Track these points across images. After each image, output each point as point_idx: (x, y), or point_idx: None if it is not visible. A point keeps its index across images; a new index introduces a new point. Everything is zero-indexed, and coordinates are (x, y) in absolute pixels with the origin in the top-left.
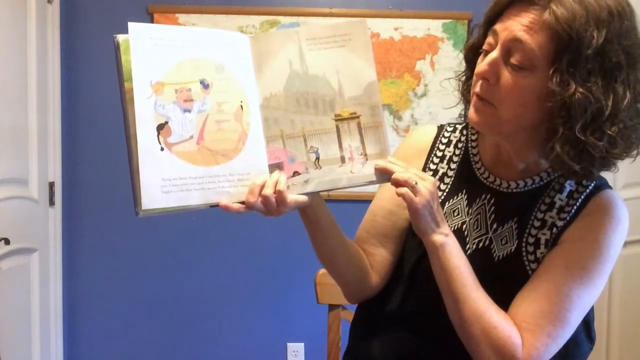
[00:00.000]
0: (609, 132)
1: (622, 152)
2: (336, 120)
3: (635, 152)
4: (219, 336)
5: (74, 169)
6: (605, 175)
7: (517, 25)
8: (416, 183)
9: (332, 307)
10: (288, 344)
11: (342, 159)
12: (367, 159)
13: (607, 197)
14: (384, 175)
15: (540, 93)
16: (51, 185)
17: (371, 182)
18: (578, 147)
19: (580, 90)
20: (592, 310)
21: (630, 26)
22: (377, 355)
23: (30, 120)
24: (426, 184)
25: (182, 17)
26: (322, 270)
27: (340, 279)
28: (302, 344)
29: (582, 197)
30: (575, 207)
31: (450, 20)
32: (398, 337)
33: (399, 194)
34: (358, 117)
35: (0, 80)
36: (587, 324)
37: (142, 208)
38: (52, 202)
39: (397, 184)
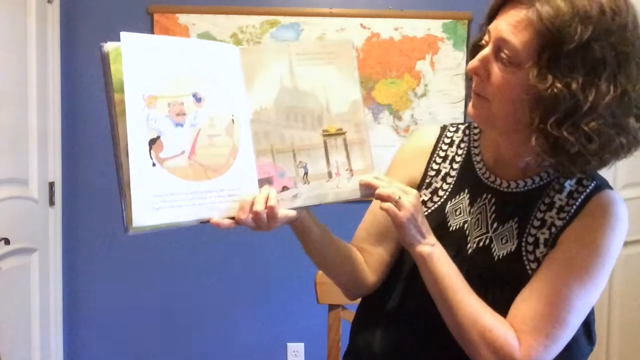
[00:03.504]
0: (585, 128)
1: (600, 149)
2: (324, 135)
3: (619, 148)
4: (219, 336)
5: (74, 169)
6: (606, 174)
7: (504, 25)
8: (399, 197)
9: (332, 307)
10: (288, 344)
11: (330, 174)
12: (352, 175)
13: (606, 197)
14: (368, 190)
15: (525, 89)
16: (51, 185)
17: (356, 198)
18: (550, 140)
19: (557, 85)
20: (592, 312)
21: (623, 25)
22: (378, 354)
23: (30, 120)
24: (409, 198)
25: (182, 17)
26: (325, 274)
27: (335, 280)
28: (302, 344)
29: (582, 197)
30: (574, 207)
31: (450, 20)
32: (398, 336)
33: (383, 209)
34: (344, 133)
35: (0, 80)
36: (588, 325)
37: (133, 226)
38: (52, 202)
39: (381, 198)
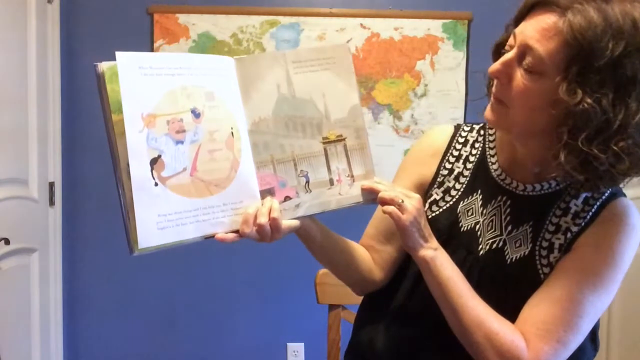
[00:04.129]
0: (615, 147)
1: (628, 169)
2: (324, 143)
3: None
4: (219, 336)
5: (74, 169)
6: None
7: (531, 31)
8: (402, 201)
9: (332, 307)
10: (288, 344)
11: (331, 182)
12: (354, 180)
13: (622, 205)
14: (370, 195)
15: (549, 99)
16: (51, 185)
17: (358, 203)
18: (581, 157)
19: (588, 100)
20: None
21: None
22: (381, 351)
23: (30, 120)
24: (412, 201)
25: (182, 17)
26: (322, 270)
27: (342, 279)
28: (302, 344)
29: (598, 203)
30: (590, 214)
31: (450, 20)
32: (403, 334)
33: (385, 212)
34: (344, 139)
35: (0, 80)
36: (593, 330)
37: (139, 247)
38: (52, 202)
39: (384, 202)
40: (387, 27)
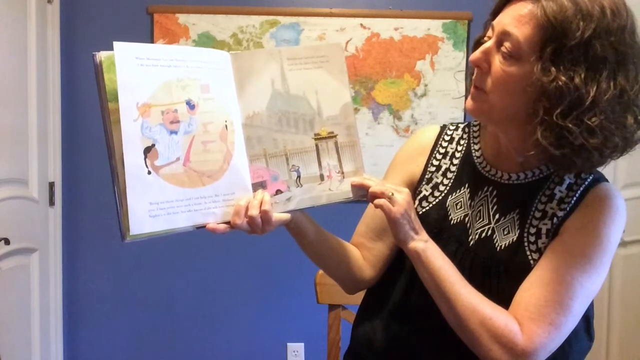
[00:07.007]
0: (588, 122)
1: (601, 143)
2: (316, 139)
3: (616, 146)
4: (219, 336)
5: (74, 169)
6: (606, 174)
7: (508, 19)
8: (392, 194)
9: (332, 307)
10: (288, 344)
11: (322, 177)
12: (344, 177)
13: (605, 189)
14: (360, 191)
15: (527, 82)
16: (51, 185)
17: (348, 199)
18: (556, 132)
19: (561, 77)
20: (592, 307)
21: (622, 26)
22: (379, 349)
23: (30, 120)
24: (402, 195)
25: (182, 17)
26: (322, 271)
27: (332, 276)
28: (302, 344)
29: (581, 189)
30: (574, 198)
31: (450, 20)
32: (400, 333)
33: (377, 206)
34: (335, 136)
35: (0, 80)
36: (587, 319)
37: (130, 234)
38: (52, 202)
39: (375, 196)
40: (387, 27)
